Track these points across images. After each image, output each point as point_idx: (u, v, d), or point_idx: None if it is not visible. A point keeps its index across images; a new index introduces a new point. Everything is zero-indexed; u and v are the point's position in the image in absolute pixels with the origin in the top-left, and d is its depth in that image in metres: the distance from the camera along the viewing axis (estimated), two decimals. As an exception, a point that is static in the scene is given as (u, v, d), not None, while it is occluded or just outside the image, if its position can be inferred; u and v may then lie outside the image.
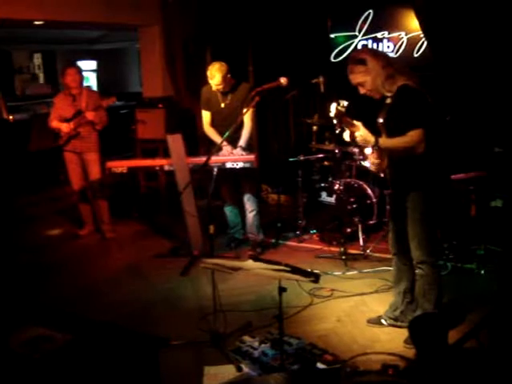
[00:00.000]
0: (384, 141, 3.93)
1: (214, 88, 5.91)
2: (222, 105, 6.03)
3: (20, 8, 7.08)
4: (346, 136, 4.16)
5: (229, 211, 6.36)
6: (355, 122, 3.99)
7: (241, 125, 5.89)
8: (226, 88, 5.92)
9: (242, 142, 5.98)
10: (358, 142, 4.03)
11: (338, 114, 3.95)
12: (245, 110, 5.46)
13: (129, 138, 8.92)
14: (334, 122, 4.00)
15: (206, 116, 6.18)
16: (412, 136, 3.79)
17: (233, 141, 5.91)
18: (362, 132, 3.96)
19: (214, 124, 6.15)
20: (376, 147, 3.95)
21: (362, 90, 4.03)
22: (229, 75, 5.89)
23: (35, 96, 13.64)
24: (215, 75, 5.78)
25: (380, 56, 3.99)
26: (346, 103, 3.99)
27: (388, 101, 4.00)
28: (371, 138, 3.93)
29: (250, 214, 6.22)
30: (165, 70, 8.67)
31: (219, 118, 6.08)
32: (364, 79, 3.96)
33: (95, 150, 6.70)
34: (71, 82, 6.51)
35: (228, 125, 5.69)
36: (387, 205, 6.18)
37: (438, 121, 3.98)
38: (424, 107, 3.85)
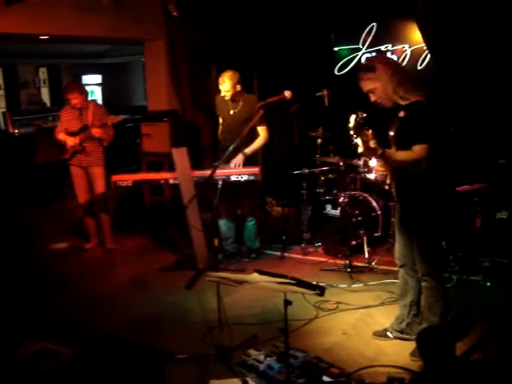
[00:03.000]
0: (390, 153, 3.92)
1: (223, 94, 6.04)
2: (231, 112, 6.14)
3: (26, 23, 7.14)
4: (360, 148, 4.17)
5: (223, 224, 6.40)
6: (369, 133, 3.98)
7: (250, 140, 6.01)
8: (234, 97, 6.04)
9: (249, 149, 6.05)
10: (369, 147, 3.99)
11: (357, 125, 3.96)
12: (260, 128, 5.92)
13: (134, 152, 8.95)
14: (351, 133, 4.00)
15: (221, 121, 6.35)
16: (417, 151, 3.78)
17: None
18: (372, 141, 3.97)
19: (221, 131, 6.28)
20: (382, 155, 3.92)
21: (372, 98, 4.02)
22: (239, 85, 6.01)
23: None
24: (225, 81, 5.95)
25: (390, 64, 3.99)
26: (364, 115, 4.00)
27: (401, 114, 3.97)
28: (378, 149, 3.92)
29: (249, 223, 6.35)
30: (170, 84, 8.72)
31: (226, 124, 6.21)
32: (374, 86, 3.95)
33: (100, 164, 6.73)
34: (77, 104, 6.56)
35: (231, 133, 5.95)
36: (392, 217, 6.17)
37: (443, 133, 3.98)
38: (432, 123, 3.85)
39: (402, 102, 3.93)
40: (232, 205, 6.33)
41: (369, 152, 3.96)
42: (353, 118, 3.95)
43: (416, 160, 3.80)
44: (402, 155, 3.88)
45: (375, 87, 3.96)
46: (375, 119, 4.21)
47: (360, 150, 4.14)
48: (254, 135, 6.08)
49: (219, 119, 6.36)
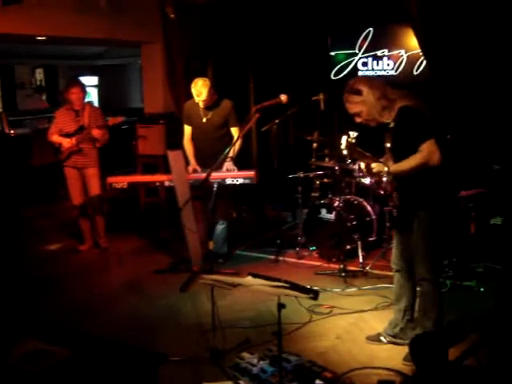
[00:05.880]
0: (396, 166, 3.93)
1: (201, 104, 6.05)
2: (204, 119, 6.17)
3: (22, 23, 7.14)
4: (362, 166, 4.20)
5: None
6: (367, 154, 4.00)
7: (226, 143, 5.97)
8: (210, 103, 6.05)
9: (234, 153, 6.09)
10: (373, 172, 4.04)
11: (349, 145, 3.98)
12: (234, 129, 6.03)
13: (129, 154, 8.96)
14: (345, 153, 4.03)
15: (187, 130, 6.35)
16: (424, 149, 3.79)
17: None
18: (374, 163, 4.00)
19: (193, 139, 6.31)
20: (390, 175, 3.95)
21: (357, 119, 4.05)
22: (213, 90, 6.05)
23: (31, 111, 13.60)
24: (202, 91, 5.94)
25: (376, 87, 3.98)
26: (355, 134, 4.02)
27: (391, 125, 4.01)
28: (383, 168, 3.96)
29: (220, 226, 6.34)
30: (166, 87, 8.72)
31: (200, 132, 6.24)
32: (360, 109, 3.98)
33: (95, 166, 6.74)
34: (76, 100, 6.54)
35: (207, 139, 6.11)
36: (387, 222, 6.20)
37: (441, 139, 3.99)
38: (426, 120, 3.86)
39: (389, 121, 3.96)
40: (205, 208, 6.26)
41: (375, 175, 3.99)
42: (344, 139, 3.98)
43: (427, 158, 3.81)
44: (410, 163, 3.87)
45: (361, 110, 3.98)
46: (368, 132, 4.24)
47: (365, 173, 4.18)
48: (230, 138, 6.15)
49: (185, 128, 6.35)
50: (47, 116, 12.83)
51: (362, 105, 3.96)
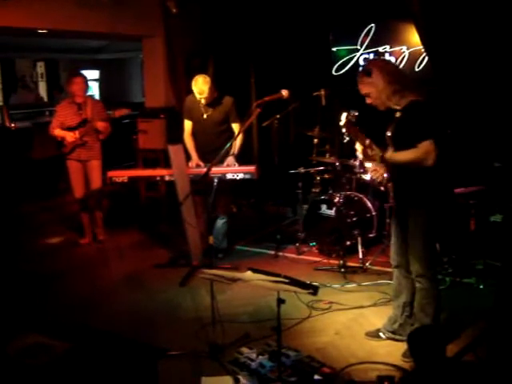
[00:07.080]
0: (392, 155, 3.94)
1: (203, 101, 6.02)
2: (205, 116, 6.16)
3: (23, 17, 7.14)
4: (359, 153, 4.19)
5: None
6: (367, 141, 4.00)
7: (226, 139, 5.97)
8: (211, 99, 6.05)
9: (236, 149, 6.13)
10: (369, 155, 4.04)
11: (348, 123, 3.97)
12: (235, 125, 5.96)
13: (130, 148, 8.95)
14: (343, 130, 4.03)
15: (187, 125, 6.32)
16: (421, 147, 3.78)
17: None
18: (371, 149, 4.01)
19: (193, 134, 6.30)
20: (384, 162, 3.95)
21: (368, 100, 4.03)
22: (213, 87, 6.04)
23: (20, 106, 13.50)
24: (203, 89, 5.91)
25: (388, 71, 3.96)
26: (356, 113, 4.00)
27: (397, 114, 3.99)
28: (379, 152, 3.96)
29: (220, 221, 6.35)
30: (167, 81, 8.71)
31: (200, 128, 6.23)
32: (369, 90, 3.95)
33: (98, 158, 6.76)
34: (77, 91, 6.53)
35: (207, 135, 6.10)
36: (387, 218, 6.19)
37: (442, 135, 3.98)
38: (433, 119, 3.86)
39: (397, 107, 3.95)
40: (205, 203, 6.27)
41: (368, 158, 3.98)
42: (344, 115, 3.97)
43: (422, 156, 3.80)
44: (405, 155, 3.87)
45: (370, 92, 3.97)
46: (372, 120, 4.23)
47: (360, 156, 4.17)
48: (230, 134, 6.14)
49: (185, 122, 6.32)
50: (47, 109, 12.85)
51: (371, 86, 3.94)
